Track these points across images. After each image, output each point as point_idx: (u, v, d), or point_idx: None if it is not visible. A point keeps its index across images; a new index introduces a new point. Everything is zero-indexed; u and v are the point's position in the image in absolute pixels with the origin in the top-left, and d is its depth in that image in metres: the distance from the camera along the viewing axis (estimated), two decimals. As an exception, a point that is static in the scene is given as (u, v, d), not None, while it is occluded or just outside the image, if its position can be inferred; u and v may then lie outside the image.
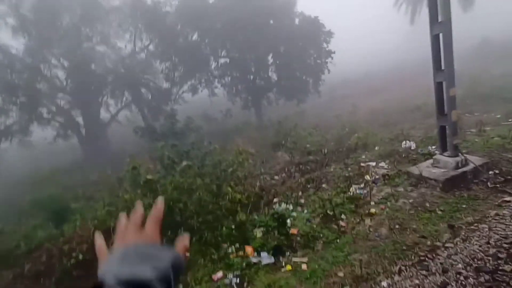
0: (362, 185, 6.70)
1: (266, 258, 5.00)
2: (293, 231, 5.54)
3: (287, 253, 5.07)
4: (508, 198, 5.07)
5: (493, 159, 6.13)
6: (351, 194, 6.35)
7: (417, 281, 3.91)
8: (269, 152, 10.87)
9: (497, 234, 4.36)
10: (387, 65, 26.28)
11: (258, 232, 5.68)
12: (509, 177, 5.59)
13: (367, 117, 13.04)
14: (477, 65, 13.43)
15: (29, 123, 16.71)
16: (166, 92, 19.65)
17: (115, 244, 0.61)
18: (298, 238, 5.33)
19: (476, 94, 9.83)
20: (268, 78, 19.42)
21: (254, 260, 5.02)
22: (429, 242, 4.55)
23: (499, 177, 5.63)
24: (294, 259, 4.88)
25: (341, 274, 4.35)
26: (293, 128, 12.26)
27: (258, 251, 5.20)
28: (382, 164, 7.55)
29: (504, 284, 3.58)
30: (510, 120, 8.61)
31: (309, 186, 7.48)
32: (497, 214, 4.76)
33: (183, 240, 0.65)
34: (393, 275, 4.10)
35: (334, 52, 19.83)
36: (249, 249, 5.26)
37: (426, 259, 4.24)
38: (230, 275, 4.74)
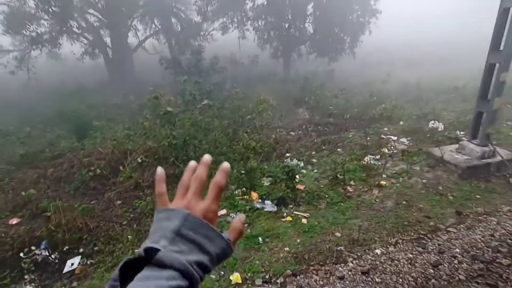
0: (378, 157, 6.61)
1: (269, 206, 5.21)
2: (300, 186, 5.66)
3: (291, 206, 5.24)
4: (526, 197, 4.92)
5: (523, 156, 5.81)
6: (365, 163, 6.30)
7: (410, 256, 4.03)
8: (290, 107, 10.67)
9: (504, 229, 4.33)
10: (435, 38, 24.05)
11: (266, 181, 5.84)
12: (535, 177, 5.36)
13: (398, 90, 12.34)
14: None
15: (59, 35, 16.68)
16: (196, 26, 18.89)
17: (176, 198, 0.57)
18: (304, 194, 5.46)
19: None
20: (304, 29, 18.19)
21: (258, 205, 5.24)
22: (432, 223, 4.58)
23: (524, 175, 5.41)
24: (296, 212, 5.07)
25: (338, 234, 4.52)
26: (319, 87, 11.83)
27: (263, 198, 5.41)
28: (403, 139, 7.33)
29: (497, 276, 3.64)
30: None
31: (324, 147, 7.44)
32: (510, 211, 4.67)
33: (239, 223, 0.58)
34: (388, 246, 4.23)
35: (380, 12, 18.12)
36: (255, 195, 5.46)
37: (425, 238, 4.30)
38: (233, 214, 5.01)
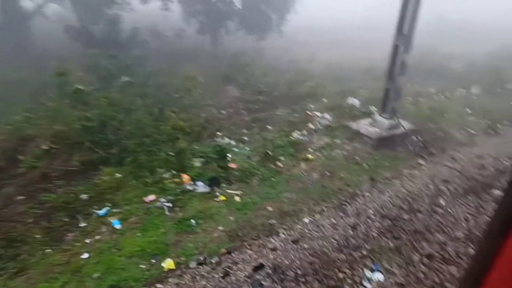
0: (305, 132, 6.97)
1: (201, 187, 5.07)
2: (232, 165, 5.63)
3: (223, 185, 5.20)
4: (421, 161, 5.81)
5: (420, 127, 6.81)
6: (293, 138, 6.59)
7: (334, 221, 4.42)
8: (220, 85, 10.41)
9: (405, 189, 5.05)
10: (356, 21, 26.05)
11: (197, 162, 5.65)
12: (428, 144, 6.33)
13: (322, 69, 13.11)
14: (429, 42, 14.11)
15: None
16: (110, -7, 16.70)
17: None
18: (236, 173, 5.46)
19: (421, 68, 10.46)
20: (232, 4, 17.68)
21: (189, 187, 5.06)
22: (351, 190, 5.08)
23: (420, 143, 6.35)
24: (229, 191, 5.06)
25: (270, 208, 4.68)
26: (248, 64, 11.78)
27: (195, 179, 5.23)
28: (327, 115, 7.86)
29: (400, 229, 4.25)
30: (442, 96, 9.52)
31: (254, 125, 7.51)
32: (410, 174, 5.47)
33: None
34: (315, 214, 4.56)
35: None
36: (185, 177, 5.25)
37: (346, 203, 4.76)
38: (163, 199, 4.74)
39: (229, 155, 5.83)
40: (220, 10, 16.99)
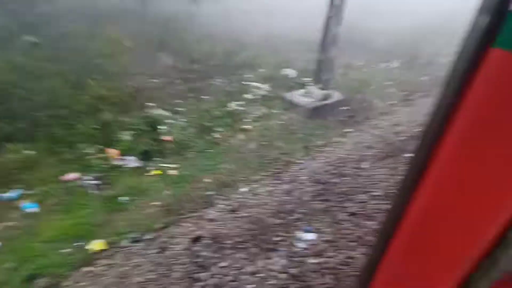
0: (242, 102, 6.89)
1: (133, 162, 4.72)
2: (167, 138, 5.33)
3: (157, 159, 4.92)
4: (349, 129, 6.27)
5: (349, 97, 7.28)
6: (230, 109, 6.47)
7: (270, 188, 4.56)
8: (151, 51, 9.55)
9: (335, 155, 5.43)
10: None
11: (127, 135, 5.20)
12: (355, 114, 6.85)
13: (259, 38, 12.94)
14: (358, 15, 14.87)
15: None
16: None
17: None
18: (171, 145, 5.19)
19: (350, 41, 11.04)
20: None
21: (118, 163, 4.66)
22: (286, 158, 5.26)
23: (348, 113, 6.82)
24: (164, 165, 4.81)
25: (208, 180, 4.60)
26: (182, 31, 10.98)
27: (124, 154, 4.82)
28: (264, 85, 7.86)
29: (330, 192, 4.60)
30: (368, 69, 10.28)
31: (189, 95, 7.14)
32: (339, 141, 5.87)
33: None
34: (252, 183, 4.64)
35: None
36: (113, 152, 4.80)
37: (281, 171, 4.94)
38: (88, 177, 4.28)
39: (162, 127, 5.49)
40: (148, -34, 15.20)
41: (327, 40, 6.24)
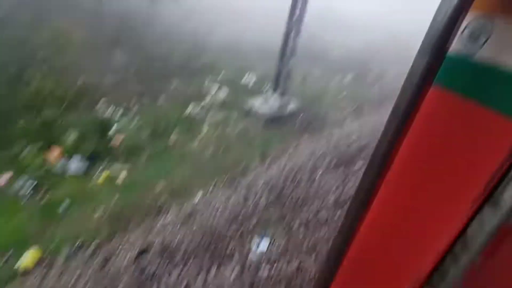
0: (200, 106, 6.76)
1: (77, 165, 4.35)
2: (117, 139, 5.02)
3: (106, 162, 4.60)
4: (305, 138, 6.47)
5: (305, 107, 7.53)
6: (188, 113, 6.31)
7: (225, 196, 4.50)
8: (105, 47, 8.99)
9: (291, 163, 5.55)
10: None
11: (72, 135, 4.79)
12: (312, 122, 7.09)
13: (221, 41, 12.89)
14: (316, 29, 15.56)
15: None
16: None
17: None
18: (122, 148, 4.90)
19: (308, 52, 11.51)
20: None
21: (61, 165, 4.26)
22: (243, 165, 5.25)
23: (305, 121, 7.04)
24: (112, 169, 4.51)
25: (160, 187, 4.41)
26: (141, 28, 10.53)
27: (69, 155, 4.43)
28: (223, 91, 7.82)
29: (286, 199, 4.68)
30: (324, 80, 10.75)
31: (145, 95, 6.84)
32: (295, 149, 6.03)
33: None
34: (207, 190, 4.54)
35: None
36: (56, 152, 4.39)
37: (238, 178, 4.91)
38: (24, 180, 3.86)
39: (113, 127, 5.16)
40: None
41: (287, 51, 6.41)
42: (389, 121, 0.93)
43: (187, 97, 6.94)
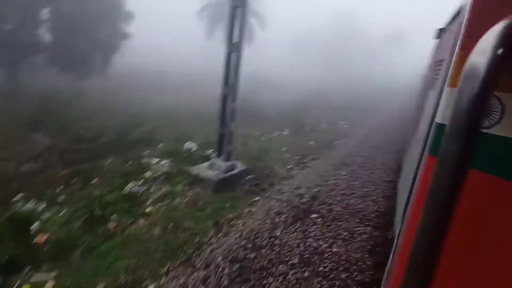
0: (141, 182, 6.25)
1: (-17, 283, 3.41)
2: (41, 238, 4.20)
3: (27, 270, 3.72)
4: (257, 198, 6.34)
5: (251, 166, 7.56)
6: (128, 192, 5.75)
7: (182, 280, 3.94)
8: (22, 132, 8.08)
9: (248, 227, 5.27)
10: (183, 68, 27.59)
11: (-22, 244, 3.85)
12: (260, 181, 7.06)
13: (156, 113, 12.80)
14: (247, 92, 16.76)
15: None
16: None
17: None
18: (47, 248, 4.07)
19: (246, 112, 12.08)
20: (36, 36, 14.80)
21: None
22: (197, 239, 4.79)
23: (253, 181, 6.99)
24: (36, 277, 3.65)
25: (101, 286, 3.67)
26: (64, 107, 9.90)
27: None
28: (164, 161, 7.47)
29: (248, 270, 4.28)
30: (262, 137, 11.19)
31: (73, 180, 6.10)
32: (249, 211, 5.80)
33: None
34: (160, 277, 3.93)
35: (131, 36, 18.36)
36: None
37: (193, 256, 4.40)
38: None
39: (35, 225, 4.34)
40: (22, 42, 13.89)
41: (226, 114, 6.57)
42: (428, 213, 0.85)
43: (126, 174, 6.40)
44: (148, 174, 6.57)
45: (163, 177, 6.53)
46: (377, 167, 8.94)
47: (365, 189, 7.18)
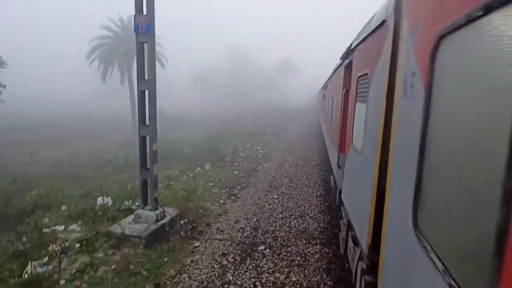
0: (45, 259, 4.92)
1: None
2: None
3: None
4: (197, 244, 5.73)
5: (182, 209, 6.90)
6: (28, 276, 4.40)
7: None
8: None
9: (196, 280, 4.64)
10: (75, 116, 24.41)
11: None
12: (195, 224, 6.47)
13: (49, 170, 10.71)
14: (159, 131, 15.87)
15: None
16: None
17: None
18: None
19: (161, 154, 11.27)
20: None
21: None
22: (138, 313, 3.93)
23: (188, 225, 6.35)
24: None
25: None
26: None
27: None
28: (74, 226, 6.15)
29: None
30: (185, 176, 10.52)
31: None
32: (192, 261, 5.16)
33: None
34: None
35: (4, 86, 15.40)
36: None
37: (139, 336, 3.56)
38: None
39: None
40: None
41: (147, 158, 5.91)
42: None
43: (22, 253, 4.93)
44: (54, 246, 5.23)
45: (76, 246, 5.30)
46: (304, 184, 9.39)
47: (301, 208, 7.37)
